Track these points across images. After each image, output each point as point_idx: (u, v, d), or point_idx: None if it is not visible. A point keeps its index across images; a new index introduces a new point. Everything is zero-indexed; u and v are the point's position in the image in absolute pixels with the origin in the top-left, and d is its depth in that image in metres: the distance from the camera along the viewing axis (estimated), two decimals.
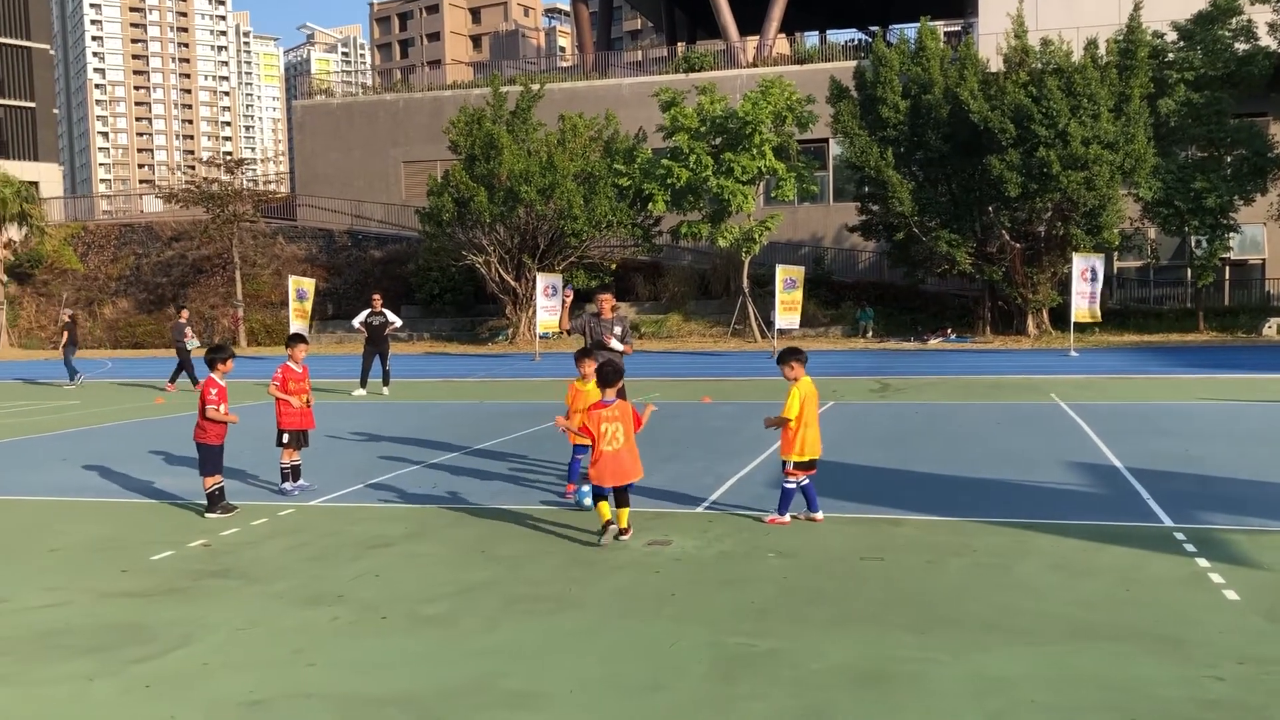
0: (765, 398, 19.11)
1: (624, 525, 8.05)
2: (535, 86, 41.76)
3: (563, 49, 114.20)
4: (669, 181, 36.26)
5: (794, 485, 8.53)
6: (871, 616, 6.18)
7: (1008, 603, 6.36)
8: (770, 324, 34.27)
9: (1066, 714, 4.70)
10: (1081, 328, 31.66)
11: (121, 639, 6.06)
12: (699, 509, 9.27)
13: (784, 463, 8.56)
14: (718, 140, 36.57)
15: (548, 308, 33.54)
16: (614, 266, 41.97)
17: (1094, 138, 32.59)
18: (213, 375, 9.61)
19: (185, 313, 25.81)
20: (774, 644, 5.72)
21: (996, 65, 36.35)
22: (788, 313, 31.79)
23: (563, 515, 9.11)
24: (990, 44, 38.36)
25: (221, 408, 9.48)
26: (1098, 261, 30.59)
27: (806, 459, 8.50)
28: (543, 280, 34.02)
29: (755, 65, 49.42)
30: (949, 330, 37.34)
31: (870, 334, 38.71)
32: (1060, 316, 34.96)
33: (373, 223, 51.77)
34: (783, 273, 31.70)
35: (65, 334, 27.98)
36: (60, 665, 5.66)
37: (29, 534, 8.96)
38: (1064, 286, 34.03)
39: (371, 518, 9.28)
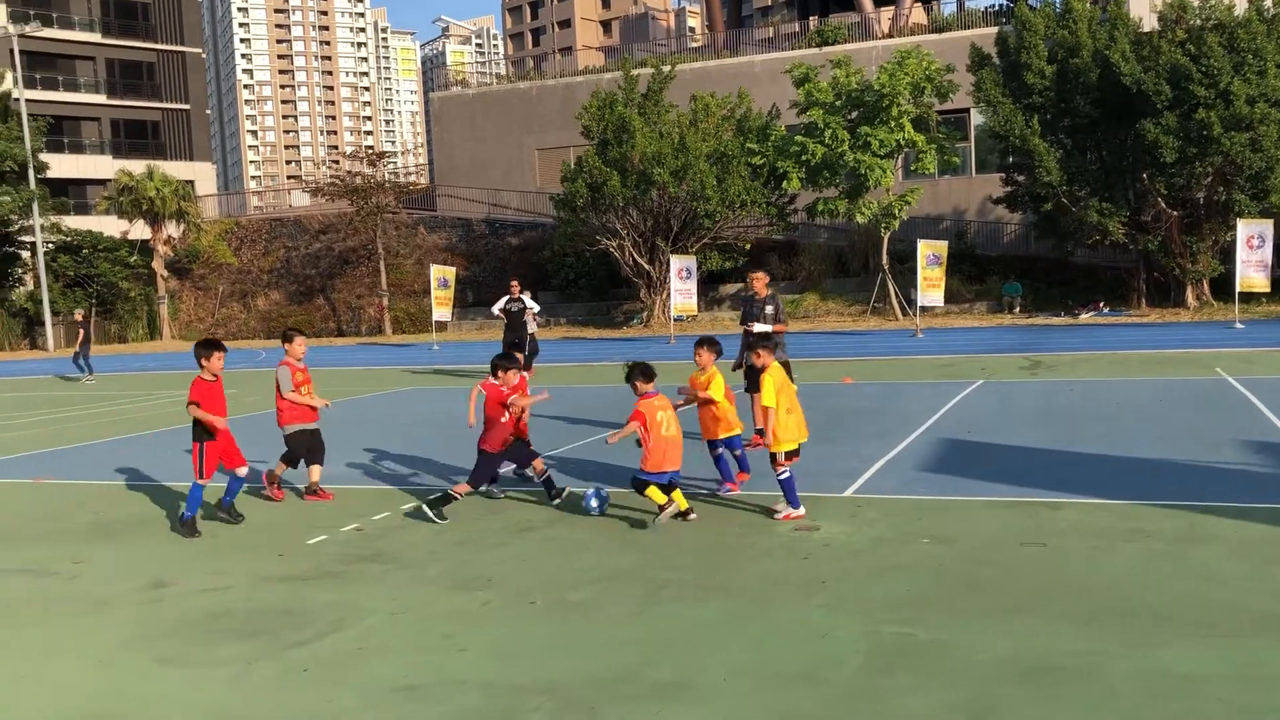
0: (909, 377, 18.62)
1: (685, 505, 8.21)
2: (666, 68, 41.58)
3: (693, 29, 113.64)
4: (804, 158, 35.63)
5: (788, 475, 8.13)
6: (1035, 606, 5.87)
7: (1185, 592, 5.96)
8: (911, 301, 33.43)
9: (1260, 716, 4.34)
10: (1247, 298, 29.86)
11: (279, 623, 6.20)
12: (846, 493, 9.02)
13: (773, 455, 8.17)
14: (854, 114, 35.75)
15: (682, 290, 33.42)
16: (748, 247, 41.57)
17: (1260, 96, 30.66)
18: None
19: (516, 283, 24.29)
20: (933, 634, 5.48)
21: (1150, 24, 34.52)
22: (931, 289, 30.90)
23: (702, 500, 8.97)
24: (1143, 3, 36.47)
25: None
26: (1265, 227, 28.77)
27: (793, 446, 8.17)
28: (676, 262, 33.90)
29: (891, 36, 48.18)
30: (1101, 304, 35.76)
31: (1018, 309, 37.38)
32: (1222, 287, 33.07)
33: (509, 210, 52.51)
34: (925, 248, 30.83)
35: (80, 333, 29.10)
36: (222, 648, 5.81)
37: None
38: (1226, 255, 32.16)
39: (514, 503, 9.32)
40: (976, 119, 41.56)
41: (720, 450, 9.29)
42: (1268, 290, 29.25)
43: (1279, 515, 7.52)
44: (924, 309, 31.61)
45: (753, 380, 10.80)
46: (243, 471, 8.97)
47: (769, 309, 11.77)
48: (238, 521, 8.94)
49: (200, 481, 8.69)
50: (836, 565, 6.85)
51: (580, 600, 6.36)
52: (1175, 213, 33.70)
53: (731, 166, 37.84)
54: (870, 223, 36.39)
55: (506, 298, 22.47)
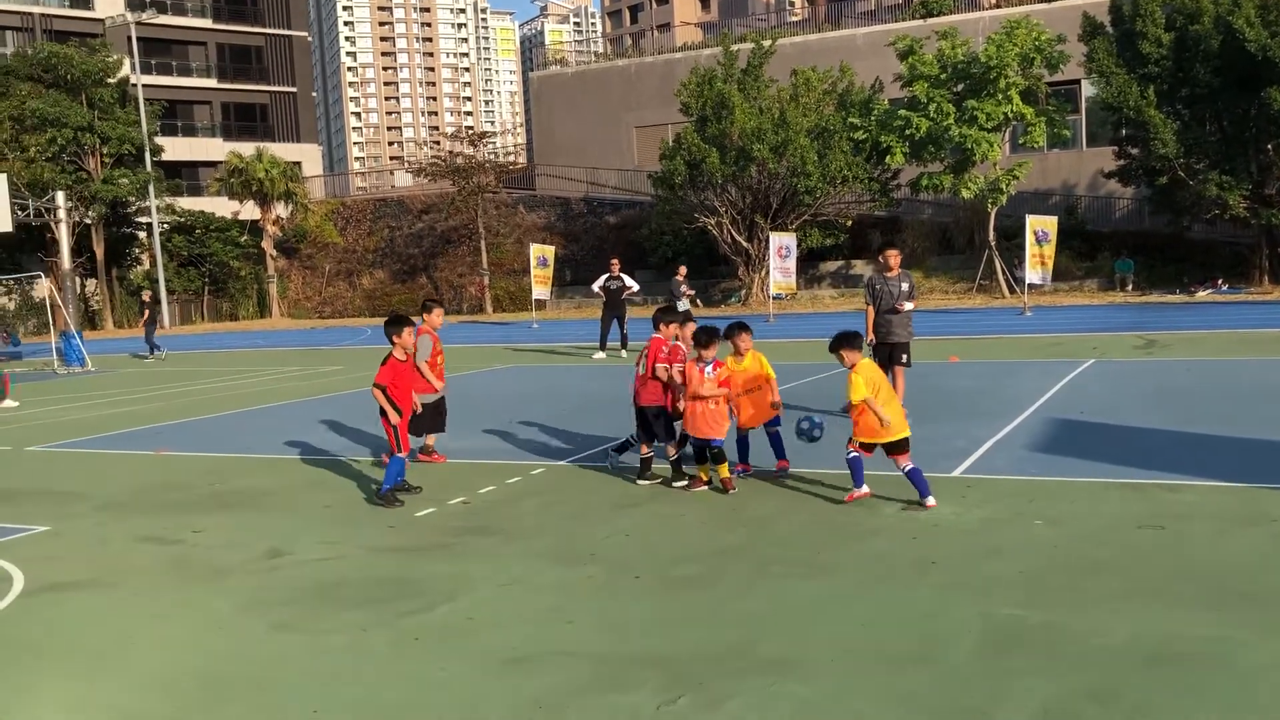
0: (1017, 356, 18.18)
1: (726, 474, 8.45)
2: (766, 43, 41.12)
3: (793, 3, 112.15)
4: (907, 133, 34.97)
5: (856, 455, 7.92)
6: (1156, 590, 5.68)
7: None
8: (1018, 279, 32.60)
9: None
10: None
11: (392, 592, 6.32)
12: (955, 473, 8.84)
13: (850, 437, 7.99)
14: (959, 87, 34.94)
15: (781, 268, 33.13)
16: (849, 223, 41.01)
17: None
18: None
19: (683, 269, 25.68)
20: (1049, 617, 5.34)
21: None
22: (1039, 266, 30.07)
23: (808, 478, 8.88)
24: None
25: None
26: None
27: (894, 438, 7.78)
28: (776, 240, 33.60)
29: (999, 6, 46.89)
30: (1220, 280, 34.41)
31: (1130, 286, 36.21)
32: None
33: (607, 189, 52.65)
34: (1033, 224, 29.99)
35: (145, 313, 29.82)
36: (337, 616, 5.95)
37: (306, 491, 9.55)
38: None
39: (618, 478, 9.35)
40: (1088, 90, 40.23)
41: (774, 430, 9.03)
42: None
43: None
44: (1031, 286, 30.80)
45: (879, 354, 11.38)
46: (403, 455, 8.77)
47: (904, 286, 11.78)
48: (417, 491, 8.91)
49: (399, 455, 8.67)
50: (946, 546, 6.72)
51: (688, 575, 6.35)
52: None
53: (833, 142, 37.30)
54: (976, 198, 35.59)
55: (606, 275, 22.57)
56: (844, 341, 8.16)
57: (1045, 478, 8.47)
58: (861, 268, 43.01)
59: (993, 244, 36.24)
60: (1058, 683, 4.55)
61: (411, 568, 6.84)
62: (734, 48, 41.21)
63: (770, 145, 37.11)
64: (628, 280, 22.52)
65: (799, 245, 35.77)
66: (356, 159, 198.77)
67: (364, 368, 22.65)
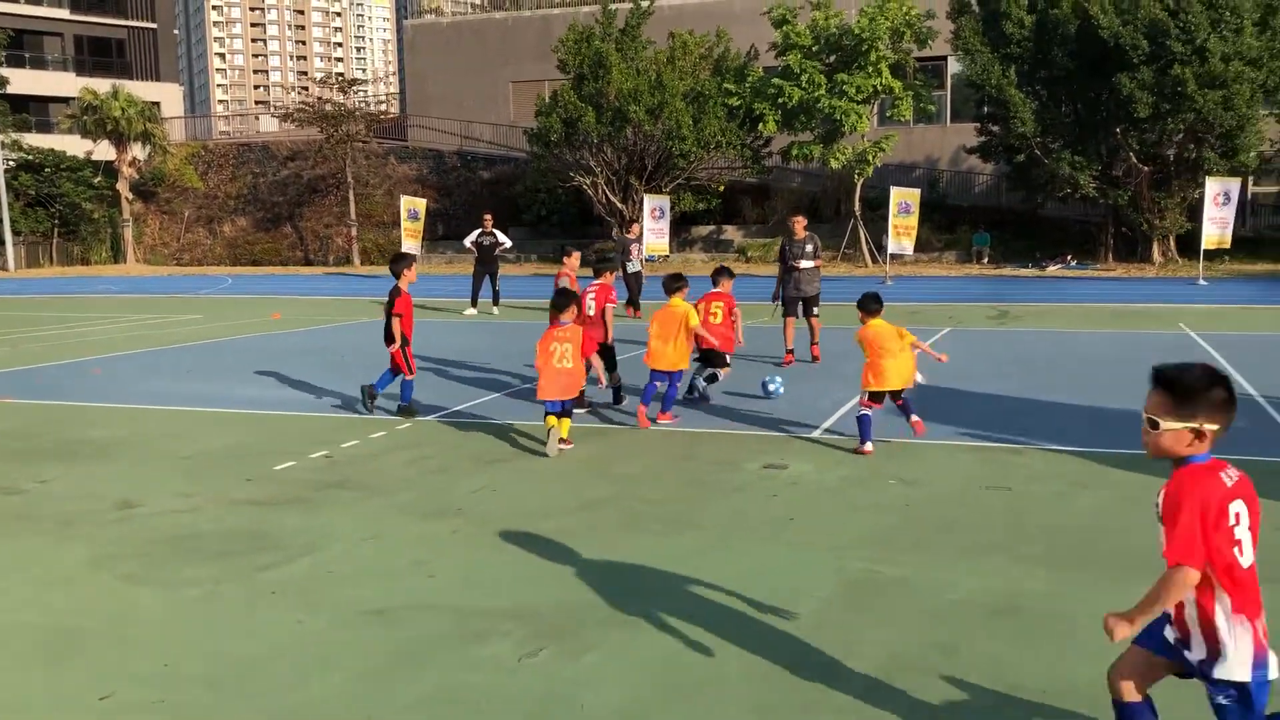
0: None
1: (564, 434, 8.55)
2: (645, 3, 40.96)
3: None
4: (780, 101, 35.40)
5: (867, 414, 8.37)
6: (1002, 548, 5.96)
7: (1146, 538, 6.05)
8: (881, 248, 33.49)
9: None
10: (1211, 255, 30.16)
11: (248, 545, 6.19)
12: (815, 433, 9.09)
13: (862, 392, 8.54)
14: (831, 58, 35.50)
15: (654, 229, 33.26)
16: (720, 188, 41.36)
17: (1235, 54, 30.69)
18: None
19: (636, 227, 24.39)
20: (901, 572, 5.56)
21: None
22: (901, 237, 30.95)
23: (676, 435, 9.01)
24: None
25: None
26: (1233, 185, 28.99)
27: (878, 389, 8.40)
28: (650, 202, 33.70)
29: None
30: (1069, 256, 35.99)
31: (986, 259, 37.57)
32: (1188, 244, 33.36)
33: (481, 144, 51.86)
34: (898, 195, 30.82)
35: None
36: (192, 569, 5.80)
37: (161, 441, 9.23)
38: (1193, 212, 32.37)
39: (486, 433, 9.32)
40: (954, 67, 41.35)
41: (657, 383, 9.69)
42: (1228, 248, 29.59)
43: (1239, 466, 7.64)
44: (894, 256, 31.72)
45: (790, 307, 13.28)
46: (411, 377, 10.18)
47: (809, 247, 13.47)
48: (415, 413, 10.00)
49: (409, 377, 10.13)
50: (804, 503, 6.92)
51: (552, 530, 6.39)
52: (1146, 168, 33.84)
53: (707, 107, 37.49)
54: (844, 168, 36.32)
55: (479, 230, 22.34)
56: (860, 304, 8.78)
57: (902, 440, 8.76)
58: (732, 233, 43.51)
59: (858, 214, 37.09)
60: (906, 635, 4.75)
61: (269, 521, 6.70)
62: (612, 6, 40.93)
63: (646, 107, 37.09)
64: (500, 236, 22.32)
65: (672, 208, 35.96)
66: (220, 101, 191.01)
67: (225, 317, 21.93)
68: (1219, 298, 23.18)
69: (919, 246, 33.88)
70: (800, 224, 13.51)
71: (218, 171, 54.78)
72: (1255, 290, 25.32)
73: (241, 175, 54.23)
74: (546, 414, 8.53)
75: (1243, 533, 3.17)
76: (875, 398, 8.41)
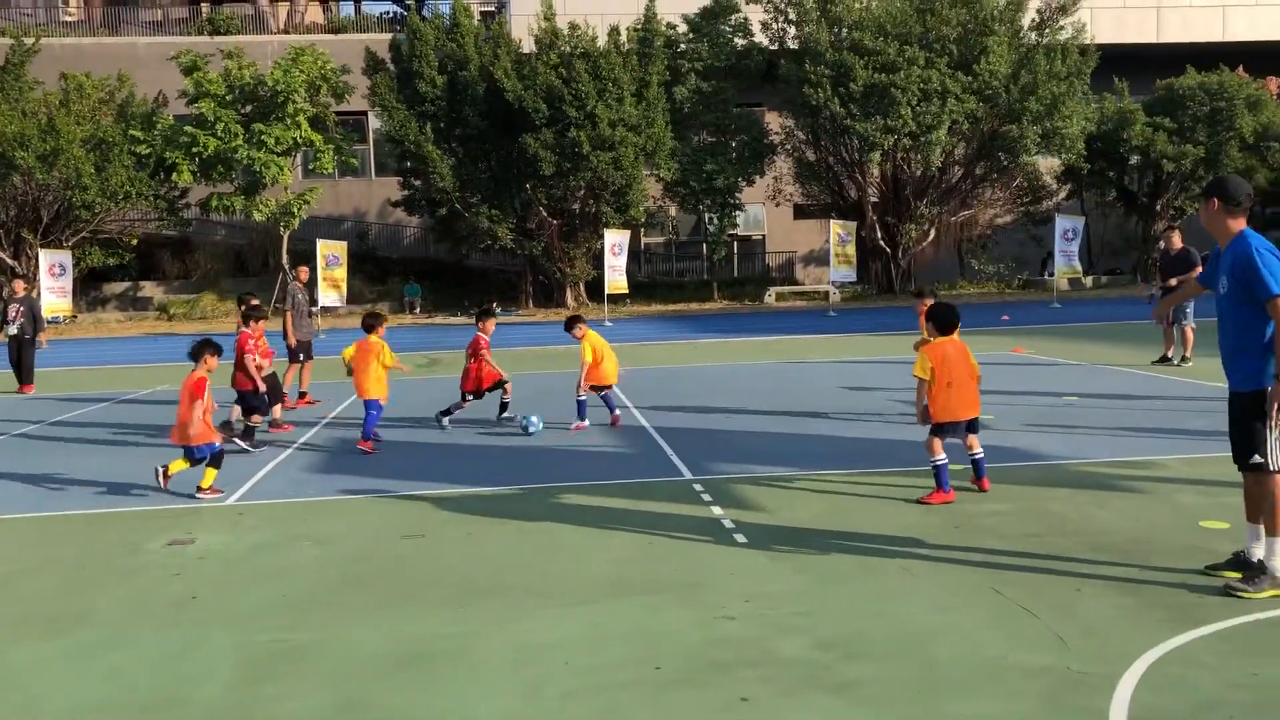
0: (316, 376, 18.34)
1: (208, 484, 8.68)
2: (30, 40, 37.04)
3: (67, 1, 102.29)
4: (195, 150, 33.75)
5: (943, 461, 7.71)
6: (411, 596, 6.05)
7: (549, 568, 6.49)
8: (314, 301, 33.02)
9: (599, 673, 4.85)
10: (615, 299, 33.56)
11: None
12: (229, 501, 8.65)
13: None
14: (248, 109, 34.55)
15: (54, 289, 30.00)
16: (134, 241, 38.38)
17: (619, 120, 34.49)
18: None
19: (305, 270, 17.31)
20: (308, 636, 5.43)
21: (529, 46, 37.27)
22: (331, 290, 30.83)
23: (71, 519, 8.11)
24: (522, 25, 39.11)
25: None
26: (623, 238, 32.54)
27: (949, 419, 7.78)
28: (47, 258, 30.38)
29: (287, 32, 47.14)
30: (495, 304, 37.96)
31: (418, 309, 38.56)
32: (597, 289, 36.83)
33: None
34: (324, 248, 30.67)
35: None
36: None
37: None
38: (598, 261, 35.85)
39: None
40: (374, 122, 42.17)
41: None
42: (628, 293, 33.18)
43: (629, 489, 8.50)
44: (325, 309, 31.43)
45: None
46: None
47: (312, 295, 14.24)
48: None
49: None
50: (211, 578, 6.53)
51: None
52: (555, 221, 36.88)
53: (113, 155, 34.64)
54: (269, 220, 35.46)
55: None
56: (931, 316, 8.13)
57: (322, 498, 8.63)
58: (152, 289, 40.56)
59: (286, 267, 36.31)
60: (312, 700, 4.63)
61: None
62: None
63: (37, 153, 33.40)
64: None
65: (78, 265, 32.70)
66: None
67: None
68: (622, 337, 25.76)
69: (352, 298, 33.98)
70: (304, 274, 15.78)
71: None
72: (650, 328, 28.56)
73: None
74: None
75: None
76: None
